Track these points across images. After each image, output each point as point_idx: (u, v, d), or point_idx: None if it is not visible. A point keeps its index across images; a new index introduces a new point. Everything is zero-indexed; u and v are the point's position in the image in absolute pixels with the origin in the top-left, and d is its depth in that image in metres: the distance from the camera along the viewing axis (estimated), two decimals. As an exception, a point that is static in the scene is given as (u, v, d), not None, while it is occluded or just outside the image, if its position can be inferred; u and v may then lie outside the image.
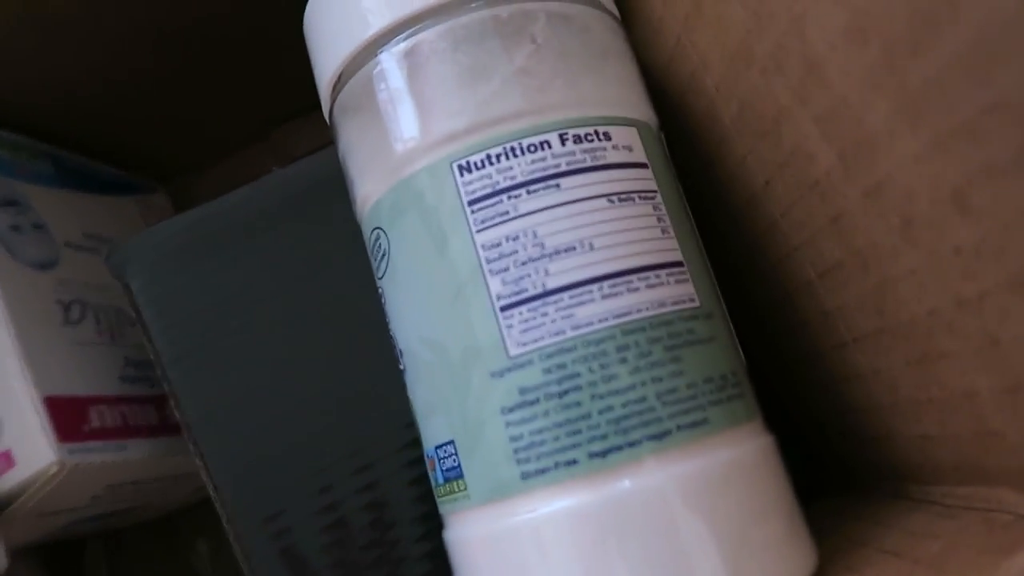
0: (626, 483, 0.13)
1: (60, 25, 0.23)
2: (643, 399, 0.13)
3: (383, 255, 0.16)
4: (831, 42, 0.12)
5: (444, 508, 0.15)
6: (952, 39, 0.10)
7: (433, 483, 0.15)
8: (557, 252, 0.14)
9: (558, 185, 0.14)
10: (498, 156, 0.14)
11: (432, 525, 0.19)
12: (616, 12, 0.17)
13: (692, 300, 0.14)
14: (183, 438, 0.25)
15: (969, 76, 0.10)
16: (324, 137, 0.20)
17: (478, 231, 0.14)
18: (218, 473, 0.20)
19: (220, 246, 0.20)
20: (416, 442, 0.17)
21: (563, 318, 0.13)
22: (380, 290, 0.16)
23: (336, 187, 0.20)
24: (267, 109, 0.32)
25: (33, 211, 0.24)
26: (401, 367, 0.16)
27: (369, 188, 0.16)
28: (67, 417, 0.20)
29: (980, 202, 0.10)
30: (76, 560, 0.28)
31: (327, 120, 0.18)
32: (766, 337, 0.20)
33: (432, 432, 0.15)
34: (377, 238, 0.16)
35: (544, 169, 0.14)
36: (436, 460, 0.15)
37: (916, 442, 0.15)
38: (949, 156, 0.11)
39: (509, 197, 0.14)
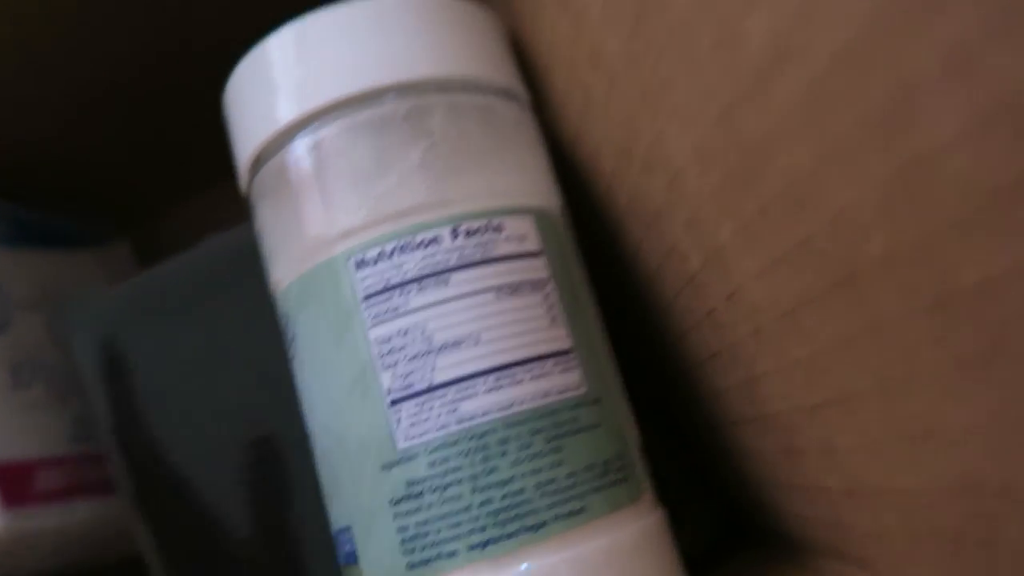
0: (501, 574, 0.13)
1: (15, 83, 0.24)
2: (521, 491, 0.14)
3: (291, 340, 0.16)
4: (686, 160, 0.12)
5: None
6: (771, 181, 0.10)
7: (339, 564, 0.16)
8: (444, 347, 0.14)
9: (447, 280, 0.15)
10: (392, 252, 0.15)
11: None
12: (522, 92, 0.18)
13: (578, 387, 0.15)
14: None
15: (786, 213, 0.10)
16: None
17: (371, 326, 0.15)
18: (153, 535, 0.21)
19: (158, 313, 0.21)
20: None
21: (448, 412, 0.14)
22: (292, 372, 0.17)
23: (255, 257, 0.21)
24: (226, 153, 0.33)
25: (-14, 273, 0.24)
26: (312, 447, 0.17)
27: (280, 273, 0.17)
28: (13, 481, 0.21)
29: (809, 323, 0.11)
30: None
31: (245, 199, 0.19)
32: (679, 404, 0.20)
33: (334, 516, 0.15)
34: (286, 323, 0.17)
35: (435, 265, 0.15)
36: (338, 543, 0.15)
37: (794, 519, 0.15)
38: (780, 279, 0.11)
39: (401, 292, 0.15)
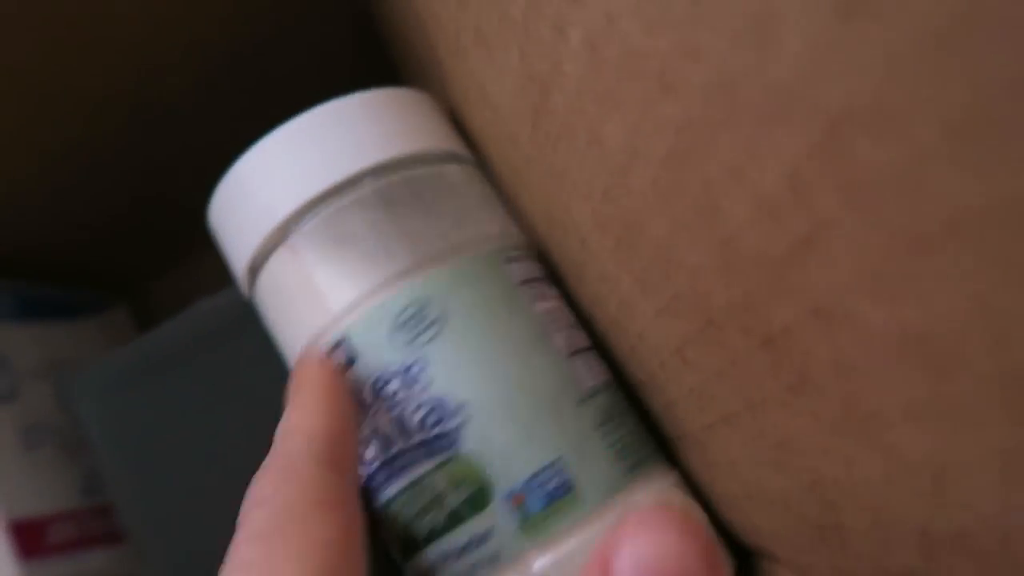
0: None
1: (17, 177, 0.27)
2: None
3: (436, 327, 0.18)
4: (588, 226, 0.15)
5: (545, 532, 0.16)
6: (646, 244, 0.13)
7: (520, 521, 0.16)
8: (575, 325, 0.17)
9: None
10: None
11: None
12: (468, 155, 0.20)
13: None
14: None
15: (660, 270, 0.13)
16: None
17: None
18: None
19: (154, 372, 0.23)
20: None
21: (598, 364, 0.19)
22: (415, 358, 0.17)
23: (244, 317, 0.23)
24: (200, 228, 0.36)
25: (-4, 348, 0.26)
26: (449, 427, 0.17)
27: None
28: (28, 536, 0.23)
29: (692, 357, 0.13)
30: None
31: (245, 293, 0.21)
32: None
33: (528, 458, 0.16)
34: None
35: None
36: (537, 485, 0.16)
37: (733, 526, 0.17)
38: (667, 323, 0.13)
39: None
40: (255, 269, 0.20)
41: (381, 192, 0.18)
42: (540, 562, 0.16)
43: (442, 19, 0.17)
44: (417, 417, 0.17)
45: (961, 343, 0.07)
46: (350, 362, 0.17)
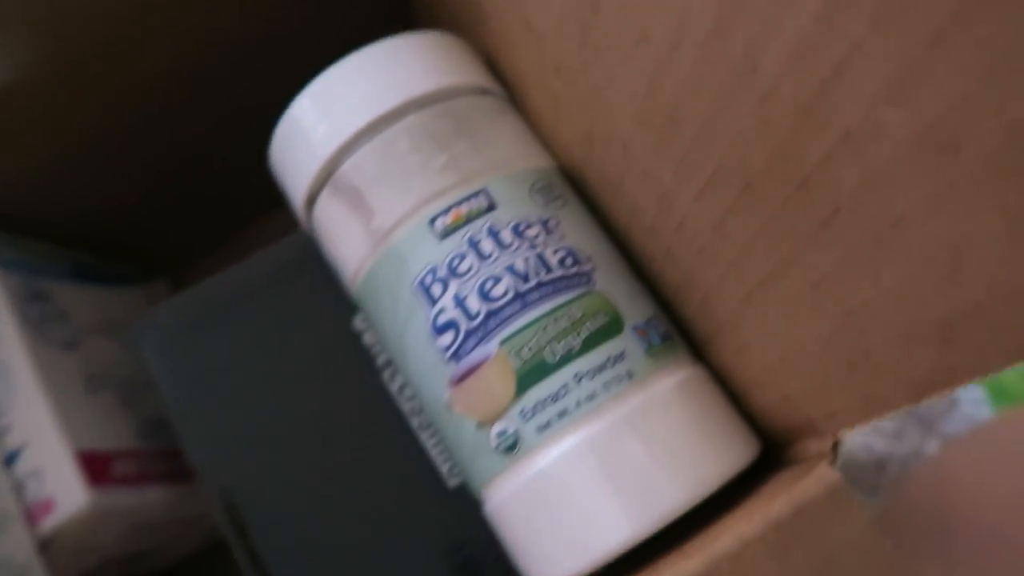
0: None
1: (78, 155, 0.28)
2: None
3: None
4: (630, 129, 0.17)
5: (663, 362, 0.18)
6: (687, 128, 0.14)
7: (646, 348, 0.18)
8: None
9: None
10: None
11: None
12: (499, 90, 0.22)
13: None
14: (192, 487, 0.29)
15: (702, 149, 0.15)
16: (289, 226, 0.25)
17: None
18: (225, 512, 0.24)
19: (216, 314, 0.25)
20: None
21: None
22: (550, 215, 0.20)
23: (299, 265, 0.25)
24: (246, 205, 0.38)
25: (56, 303, 0.28)
26: (584, 269, 0.19)
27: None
28: (95, 467, 0.25)
29: (732, 227, 0.15)
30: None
31: (306, 231, 0.23)
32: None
33: (639, 309, 0.19)
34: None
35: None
36: (650, 328, 0.19)
37: (758, 414, 0.19)
38: (708, 199, 0.15)
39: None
40: (311, 200, 0.22)
41: (424, 121, 0.20)
42: (666, 383, 0.18)
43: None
44: (557, 257, 0.19)
45: (971, 120, 0.09)
46: (490, 208, 0.19)
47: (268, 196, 0.38)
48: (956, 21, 0.09)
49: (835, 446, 0.16)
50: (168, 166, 0.33)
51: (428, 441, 0.24)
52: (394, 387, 0.24)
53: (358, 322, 0.25)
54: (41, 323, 0.27)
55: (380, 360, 0.24)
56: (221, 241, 0.39)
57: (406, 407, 0.24)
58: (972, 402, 0.33)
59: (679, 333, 0.20)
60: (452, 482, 0.23)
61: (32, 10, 0.23)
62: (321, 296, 0.25)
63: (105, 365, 0.28)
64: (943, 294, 0.11)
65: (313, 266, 0.25)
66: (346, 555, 0.23)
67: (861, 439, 0.32)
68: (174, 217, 0.35)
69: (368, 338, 0.24)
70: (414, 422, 0.24)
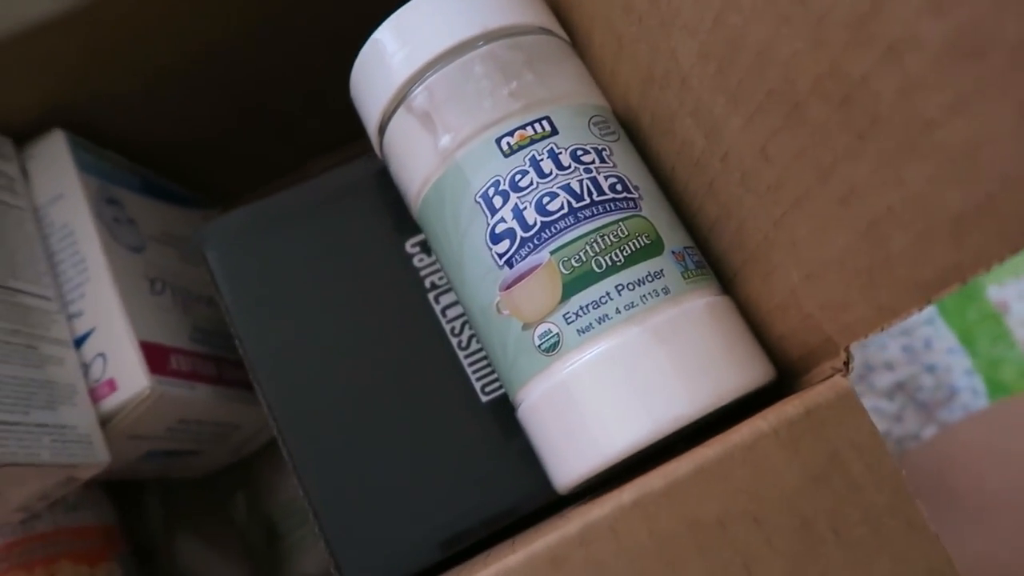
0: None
1: (162, 85, 0.31)
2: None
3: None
4: (691, 63, 0.19)
5: (696, 284, 0.20)
6: (745, 56, 0.16)
7: (682, 271, 0.20)
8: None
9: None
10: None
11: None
12: (562, 32, 0.24)
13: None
14: (235, 392, 0.31)
15: (757, 75, 0.16)
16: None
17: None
18: (277, 408, 0.26)
19: (278, 227, 0.27)
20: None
21: None
22: (605, 146, 0.22)
23: (360, 189, 0.27)
24: (301, 146, 0.40)
25: (126, 210, 0.30)
26: (632, 195, 0.21)
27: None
28: (155, 357, 0.27)
29: (773, 150, 0.17)
30: (136, 508, 0.34)
31: (378, 154, 0.25)
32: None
33: (678, 238, 0.21)
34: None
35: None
36: (687, 254, 0.21)
37: (778, 342, 0.21)
38: (755, 124, 0.17)
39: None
40: (384, 123, 0.24)
41: (497, 51, 0.22)
42: (697, 303, 0.20)
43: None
44: (608, 183, 0.21)
45: (998, 26, 0.11)
46: (553, 133, 0.21)
47: (311, 144, 0.40)
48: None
49: (847, 362, 0.18)
50: (235, 107, 0.35)
51: (465, 360, 0.26)
52: (438, 308, 0.26)
53: (410, 245, 0.27)
54: (114, 224, 0.29)
55: (427, 282, 0.26)
56: (268, 179, 0.41)
57: (447, 327, 0.26)
58: (971, 392, 0.35)
59: (711, 270, 0.22)
60: (485, 398, 0.25)
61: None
62: (379, 218, 0.27)
63: (165, 272, 0.30)
64: (960, 191, 0.13)
65: (374, 190, 0.27)
66: (380, 459, 0.25)
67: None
68: (231, 152, 0.38)
69: (418, 261, 0.26)
70: (454, 341, 0.26)
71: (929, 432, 0.34)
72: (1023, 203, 0.12)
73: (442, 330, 0.26)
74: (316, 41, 0.33)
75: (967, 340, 0.36)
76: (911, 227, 0.14)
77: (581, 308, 0.20)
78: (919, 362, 0.35)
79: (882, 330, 0.16)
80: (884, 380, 0.35)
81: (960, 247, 0.14)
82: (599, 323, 0.20)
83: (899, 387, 0.35)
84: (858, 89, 0.14)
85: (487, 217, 0.21)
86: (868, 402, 0.34)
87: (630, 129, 0.23)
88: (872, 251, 0.15)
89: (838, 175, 0.15)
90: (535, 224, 0.20)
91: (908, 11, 0.12)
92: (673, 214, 0.22)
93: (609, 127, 0.22)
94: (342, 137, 0.41)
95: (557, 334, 0.20)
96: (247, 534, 0.34)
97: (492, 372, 0.25)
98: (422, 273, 0.26)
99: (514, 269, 0.21)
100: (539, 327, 0.20)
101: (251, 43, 0.31)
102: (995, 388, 0.35)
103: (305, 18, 0.32)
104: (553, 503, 0.24)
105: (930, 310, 0.37)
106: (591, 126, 0.22)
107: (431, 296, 0.26)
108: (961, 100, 0.12)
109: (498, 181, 0.21)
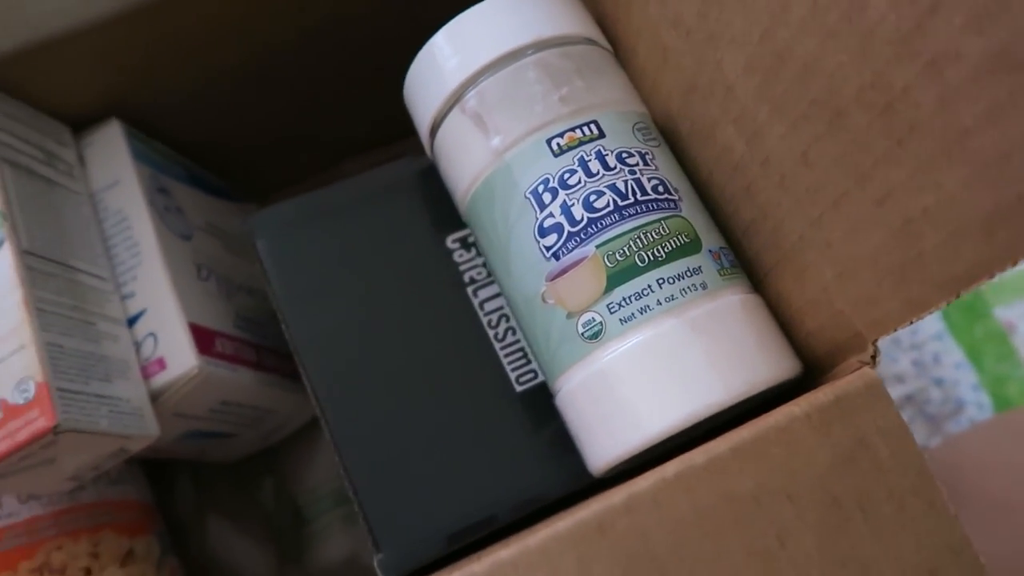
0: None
1: (214, 87, 0.32)
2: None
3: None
4: (737, 74, 0.20)
5: (731, 281, 0.22)
6: (791, 67, 0.18)
7: (718, 269, 0.22)
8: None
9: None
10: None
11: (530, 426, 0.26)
12: (606, 43, 0.25)
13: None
14: (273, 378, 0.32)
15: (801, 85, 0.18)
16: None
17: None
18: (321, 391, 0.27)
19: (326, 219, 0.28)
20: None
21: None
22: (648, 150, 0.22)
23: (404, 186, 0.28)
24: (335, 148, 0.41)
25: (175, 199, 0.32)
26: (673, 197, 0.22)
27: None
28: (202, 339, 0.28)
29: (814, 155, 0.18)
30: (169, 489, 0.35)
31: (429, 154, 0.26)
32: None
33: (714, 239, 0.22)
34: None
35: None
36: (723, 254, 0.22)
37: (806, 340, 0.22)
38: (798, 131, 0.19)
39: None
40: (437, 124, 0.25)
41: (549, 59, 0.23)
42: (732, 298, 0.21)
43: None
44: (651, 184, 0.22)
45: (1032, 42, 0.13)
46: (600, 135, 0.22)
47: (344, 145, 0.41)
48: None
49: (875, 356, 0.19)
50: (278, 109, 0.36)
51: (501, 351, 0.27)
52: (476, 301, 0.27)
53: (451, 241, 0.28)
54: (165, 212, 0.30)
55: (466, 276, 0.28)
56: (301, 179, 0.42)
57: (484, 319, 0.27)
58: (977, 407, 0.36)
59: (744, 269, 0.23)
60: (519, 388, 0.26)
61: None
62: (421, 215, 0.28)
63: (211, 260, 0.31)
64: (992, 193, 0.14)
65: (416, 188, 0.28)
66: (418, 441, 0.26)
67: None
68: (268, 149, 0.39)
69: (458, 256, 0.28)
70: (490, 333, 0.27)
71: (936, 443, 0.36)
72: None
73: (479, 322, 0.27)
74: (363, 49, 0.34)
75: (974, 356, 0.37)
76: (944, 226, 0.16)
77: (624, 299, 0.21)
78: (928, 376, 0.37)
79: (911, 323, 0.18)
80: (895, 392, 0.37)
81: (990, 244, 0.15)
82: (641, 313, 0.21)
83: (908, 399, 0.37)
84: (900, 99, 0.15)
85: (536, 212, 0.22)
86: (878, 412, 0.36)
87: (669, 136, 0.25)
88: (905, 249, 0.17)
89: (877, 178, 0.17)
90: (582, 220, 0.22)
91: (951, 28, 0.14)
92: (709, 216, 0.23)
93: (651, 133, 0.24)
94: (373, 141, 0.42)
95: (601, 322, 0.21)
96: (274, 519, 0.35)
97: (527, 363, 0.26)
98: (461, 268, 0.28)
99: (560, 261, 0.22)
100: (583, 316, 0.21)
101: (305, 49, 0.33)
102: (1001, 403, 0.36)
103: (356, 27, 0.33)
104: (581, 490, 0.25)
105: (939, 326, 0.38)
106: (635, 131, 0.23)
107: (470, 290, 0.27)
108: (996, 110, 0.14)
109: (548, 179, 0.22)
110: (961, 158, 0.15)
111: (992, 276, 0.15)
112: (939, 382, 0.36)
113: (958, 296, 0.16)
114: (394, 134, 0.43)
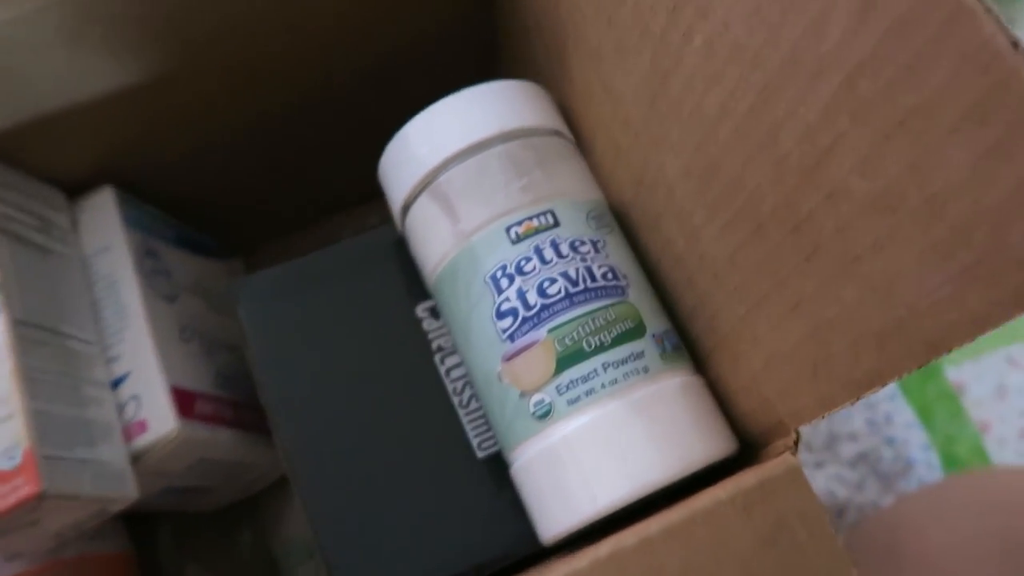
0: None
1: (205, 152, 0.34)
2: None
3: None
4: (676, 177, 0.22)
5: (673, 365, 0.23)
6: (721, 177, 0.20)
7: (660, 352, 0.23)
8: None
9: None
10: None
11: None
12: (568, 134, 0.27)
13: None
14: (250, 435, 0.33)
15: (730, 195, 0.20)
16: (360, 224, 0.31)
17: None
18: (292, 452, 0.28)
19: (303, 287, 0.30)
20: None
21: None
22: (599, 237, 0.26)
23: (378, 257, 0.30)
24: (321, 203, 0.43)
25: (163, 261, 0.33)
26: (621, 283, 0.25)
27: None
28: (183, 401, 0.29)
29: (740, 258, 0.20)
30: (150, 538, 0.36)
31: (400, 230, 0.28)
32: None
33: (658, 322, 0.24)
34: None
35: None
36: (666, 337, 0.24)
37: (741, 419, 0.24)
38: (727, 235, 0.20)
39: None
40: (408, 204, 0.27)
41: (512, 150, 0.25)
42: (672, 381, 0.23)
43: (586, 35, 0.25)
44: (601, 271, 0.24)
45: (902, 190, 0.14)
46: (555, 224, 0.24)
47: (327, 204, 0.43)
48: (900, 125, 0.14)
49: (796, 441, 0.21)
50: (267, 173, 0.38)
51: (465, 418, 0.28)
52: (443, 368, 0.29)
53: (420, 310, 0.30)
54: (152, 276, 0.32)
55: (434, 344, 0.29)
56: (285, 235, 0.44)
57: (450, 386, 0.29)
58: (926, 466, 0.37)
59: (687, 349, 0.25)
60: (480, 454, 0.28)
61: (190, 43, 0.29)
62: (392, 284, 0.30)
63: (195, 320, 0.33)
64: (881, 313, 0.16)
65: (389, 259, 0.30)
66: (383, 502, 0.27)
67: (825, 484, 0.37)
68: (255, 208, 0.41)
69: (427, 324, 0.29)
70: (455, 400, 0.29)
71: (887, 501, 0.37)
72: (927, 329, 0.15)
73: (445, 389, 0.29)
74: (344, 119, 0.36)
75: (925, 416, 0.39)
76: (845, 335, 0.17)
77: (572, 381, 0.23)
78: (880, 434, 0.38)
79: (822, 418, 0.19)
80: (848, 450, 0.38)
81: (882, 356, 0.17)
82: (586, 395, 0.23)
83: (861, 457, 0.38)
84: (806, 222, 0.17)
85: (494, 296, 0.24)
86: (832, 470, 0.37)
87: (623, 221, 0.27)
88: (816, 350, 0.19)
89: (791, 286, 0.19)
90: (536, 305, 0.23)
91: (842, 170, 0.16)
92: (656, 300, 0.25)
93: (604, 220, 0.25)
94: (355, 200, 0.44)
95: (550, 403, 0.23)
96: (251, 567, 0.36)
97: (489, 430, 0.28)
98: (430, 336, 0.29)
99: (515, 343, 0.24)
100: (534, 396, 0.23)
101: (292, 120, 0.35)
102: (949, 462, 0.38)
103: (338, 100, 0.35)
104: (536, 554, 0.27)
105: (892, 387, 0.40)
106: (589, 219, 0.25)
107: (437, 357, 0.29)
108: (879, 243, 0.15)
109: (505, 266, 0.24)
110: (855, 280, 0.17)
111: (885, 384, 0.17)
112: (891, 441, 0.38)
113: (858, 399, 0.18)
114: (370, 193, 0.45)
